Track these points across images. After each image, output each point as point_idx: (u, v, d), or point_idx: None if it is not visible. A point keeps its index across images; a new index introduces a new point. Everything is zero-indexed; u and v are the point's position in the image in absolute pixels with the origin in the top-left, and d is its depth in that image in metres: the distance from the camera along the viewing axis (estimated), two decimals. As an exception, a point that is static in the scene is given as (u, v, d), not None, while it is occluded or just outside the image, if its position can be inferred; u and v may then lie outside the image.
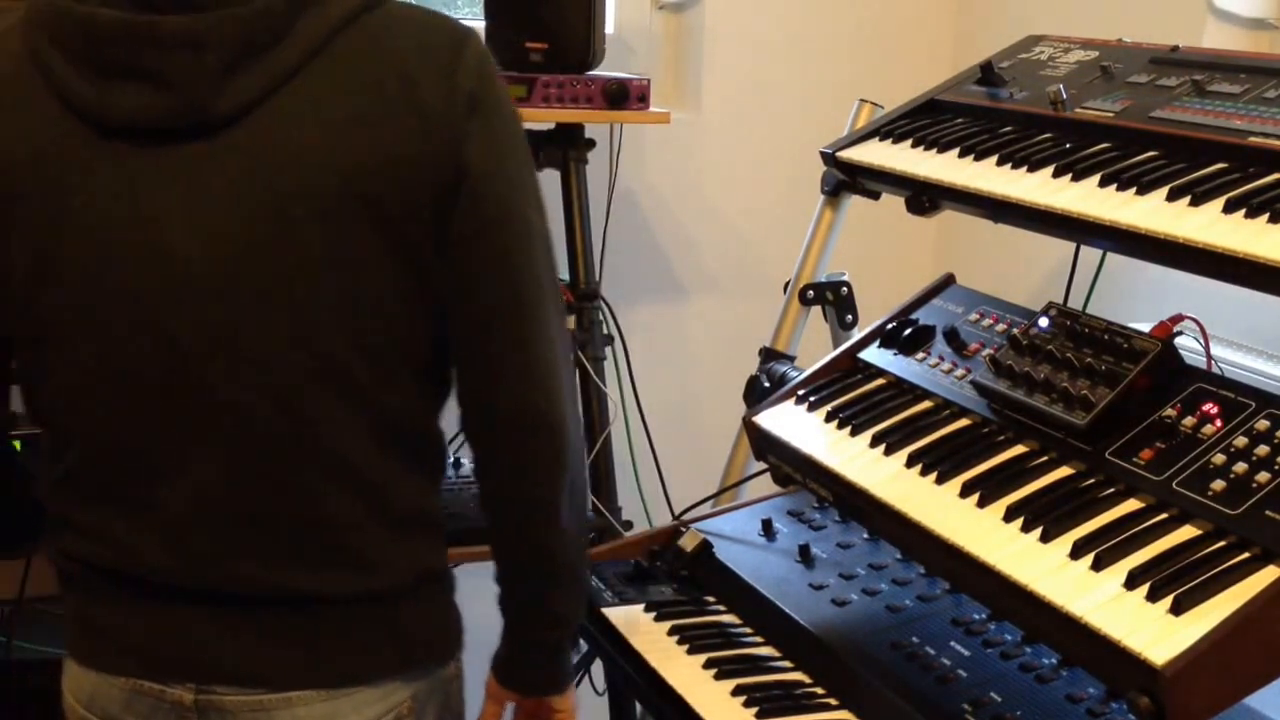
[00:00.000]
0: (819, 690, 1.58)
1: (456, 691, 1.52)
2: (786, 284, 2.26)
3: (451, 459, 2.10)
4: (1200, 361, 1.55)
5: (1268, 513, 1.27)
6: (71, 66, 1.28)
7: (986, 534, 1.42)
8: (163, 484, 1.34)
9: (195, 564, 1.35)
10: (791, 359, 2.21)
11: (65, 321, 1.33)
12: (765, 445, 1.81)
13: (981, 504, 1.46)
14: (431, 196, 1.31)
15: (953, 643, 1.60)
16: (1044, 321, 1.59)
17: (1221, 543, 1.29)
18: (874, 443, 1.64)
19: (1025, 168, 1.64)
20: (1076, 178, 1.57)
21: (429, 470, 1.45)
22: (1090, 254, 1.88)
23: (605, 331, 2.59)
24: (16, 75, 1.31)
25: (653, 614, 1.75)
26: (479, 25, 2.35)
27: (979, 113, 1.85)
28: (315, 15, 1.28)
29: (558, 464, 1.40)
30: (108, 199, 1.29)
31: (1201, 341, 1.59)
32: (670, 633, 1.70)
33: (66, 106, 1.28)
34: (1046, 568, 1.34)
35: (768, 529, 1.89)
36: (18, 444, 1.65)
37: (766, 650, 1.67)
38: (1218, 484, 1.33)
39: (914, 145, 1.84)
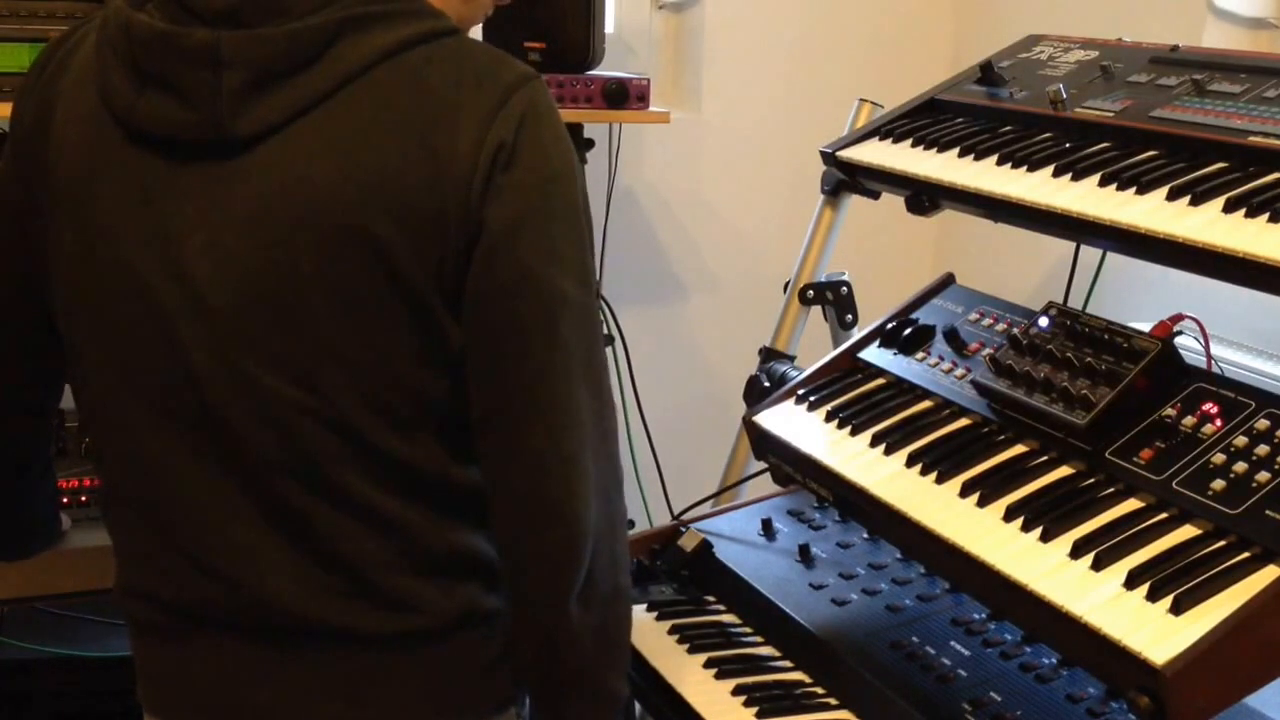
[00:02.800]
0: (819, 690, 1.58)
1: None
2: (786, 284, 2.26)
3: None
4: (1200, 361, 1.55)
5: (1268, 512, 1.27)
6: (118, 71, 1.25)
7: (986, 534, 1.42)
8: (187, 504, 1.29)
9: (227, 590, 1.29)
10: (791, 359, 2.21)
11: (93, 325, 1.30)
12: (765, 445, 1.81)
13: (981, 504, 1.46)
14: (443, 252, 1.21)
15: (953, 643, 1.60)
16: (1044, 321, 1.59)
17: (1221, 542, 1.29)
18: (874, 442, 1.64)
19: (1025, 167, 1.64)
20: (1076, 177, 1.57)
21: (465, 514, 1.33)
22: (1090, 254, 1.88)
23: (605, 331, 2.59)
24: (84, 78, 1.30)
25: (653, 614, 1.75)
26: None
27: (979, 112, 1.85)
28: (357, 42, 1.20)
29: (572, 563, 1.27)
30: (130, 207, 1.26)
31: (1201, 341, 1.59)
32: (670, 632, 1.70)
33: (109, 110, 1.26)
34: (1046, 567, 1.34)
35: (768, 529, 1.89)
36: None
37: (766, 650, 1.67)
38: (1218, 483, 1.33)
39: (914, 145, 1.83)
